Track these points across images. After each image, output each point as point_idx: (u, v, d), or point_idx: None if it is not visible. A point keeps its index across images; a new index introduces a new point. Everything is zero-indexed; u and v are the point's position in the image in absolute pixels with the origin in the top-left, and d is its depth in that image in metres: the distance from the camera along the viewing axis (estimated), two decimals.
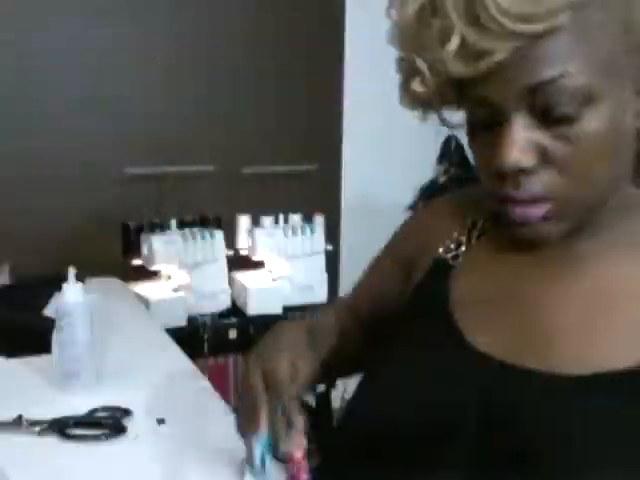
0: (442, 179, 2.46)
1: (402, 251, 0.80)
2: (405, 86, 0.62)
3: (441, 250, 0.73)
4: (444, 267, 0.71)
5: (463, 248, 0.72)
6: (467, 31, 0.53)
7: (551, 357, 0.59)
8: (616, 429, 0.54)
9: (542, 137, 0.56)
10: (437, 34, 0.55)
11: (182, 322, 1.83)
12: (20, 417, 0.88)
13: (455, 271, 0.71)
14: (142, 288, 1.86)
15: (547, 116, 0.55)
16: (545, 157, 0.56)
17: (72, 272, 0.99)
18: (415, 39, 0.58)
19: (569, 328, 0.60)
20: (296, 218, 2.03)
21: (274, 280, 2.00)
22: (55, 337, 1.02)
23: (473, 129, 0.61)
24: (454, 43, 0.54)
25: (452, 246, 0.72)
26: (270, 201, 2.08)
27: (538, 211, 0.58)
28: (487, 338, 0.63)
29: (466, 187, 0.79)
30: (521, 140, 0.56)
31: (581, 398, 0.56)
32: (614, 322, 0.59)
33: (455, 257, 0.72)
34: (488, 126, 0.59)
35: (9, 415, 0.88)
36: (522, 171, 0.56)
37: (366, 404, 0.68)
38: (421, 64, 0.57)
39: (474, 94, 0.58)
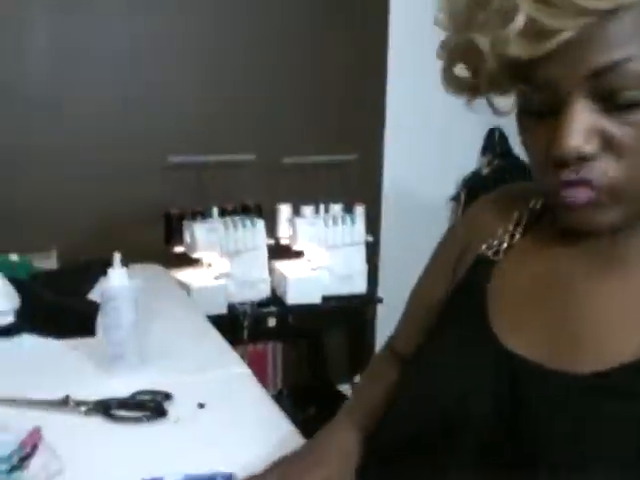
0: (485, 171, 2.43)
1: (448, 256, 0.80)
2: (449, 71, 0.61)
3: (484, 247, 0.72)
4: (485, 264, 0.71)
5: (505, 245, 0.71)
6: (534, 8, 0.51)
7: (584, 359, 0.58)
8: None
9: (604, 122, 0.53)
10: (498, 13, 0.53)
11: (222, 309, 1.86)
12: (67, 397, 0.91)
13: (496, 268, 0.70)
14: (183, 275, 1.89)
15: (611, 101, 0.53)
16: (606, 143, 0.54)
17: (117, 257, 1.01)
18: (470, 19, 0.56)
19: (606, 329, 0.59)
20: (336, 208, 2.04)
21: (314, 270, 2.01)
22: (100, 320, 1.05)
23: (526, 115, 0.59)
24: (519, 21, 0.51)
25: (495, 243, 0.72)
26: (310, 191, 2.09)
27: (590, 193, 0.55)
28: (520, 337, 0.63)
29: (511, 182, 0.78)
30: (583, 125, 0.53)
31: (609, 401, 0.56)
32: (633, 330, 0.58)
33: (497, 253, 0.71)
34: (545, 111, 0.56)
35: (56, 395, 0.91)
36: (582, 158, 0.54)
37: (399, 400, 0.70)
38: (483, 44, 0.54)
39: (533, 77, 0.55)
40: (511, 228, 0.72)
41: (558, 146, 0.54)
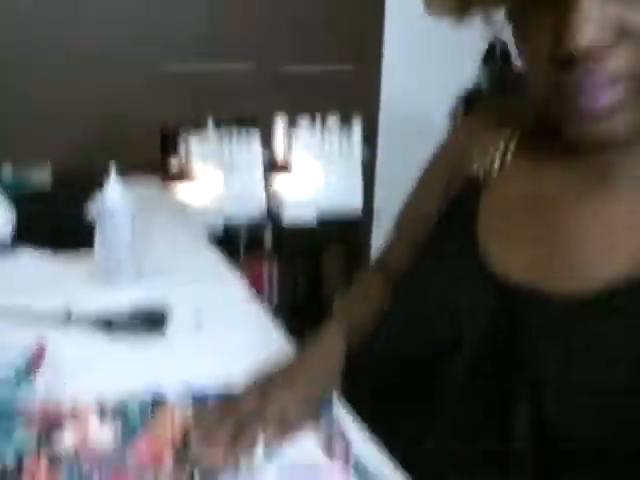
0: (484, 84, 2.37)
1: (438, 175, 0.79)
2: None
3: (475, 166, 0.72)
4: (476, 184, 0.70)
5: (497, 164, 0.70)
6: None
7: (573, 279, 0.59)
8: (625, 349, 0.55)
9: (619, 8, 0.49)
10: None
11: (218, 226, 1.87)
12: (67, 311, 0.92)
13: (486, 188, 0.70)
14: (179, 190, 1.89)
15: None
16: (622, 31, 0.49)
17: (113, 169, 1.00)
18: None
19: (596, 250, 0.59)
20: (333, 122, 2.01)
21: (309, 185, 2.00)
22: (97, 234, 1.05)
23: (523, 11, 0.54)
24: None
25: (487, 163, 0.71)
26: (308, 102, 2.04)
27: (609, 96, 0.51)
28: (509, 258, 0.64)
29: (504, 96, 0.76)
30: (596, 13, 0.48)
31: (595, 321, 0.57)
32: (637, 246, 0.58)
33: (488, 173, 0.70)
34: (546, 4, 0.51)
35: (57, 309, 0.92)
36: (596, 52, 0.49)
37: (388, 320, 0.71)
38: None
39: None
40: (503, 146, 0.70)
41: (569, 40, 0.48)
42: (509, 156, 0.70)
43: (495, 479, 0.61)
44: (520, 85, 0.63)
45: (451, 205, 0.73)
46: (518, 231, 0.65)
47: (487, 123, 0.74)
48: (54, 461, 0.61)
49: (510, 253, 0.64)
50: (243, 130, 1.91)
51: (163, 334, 0.90)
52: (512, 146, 0.70)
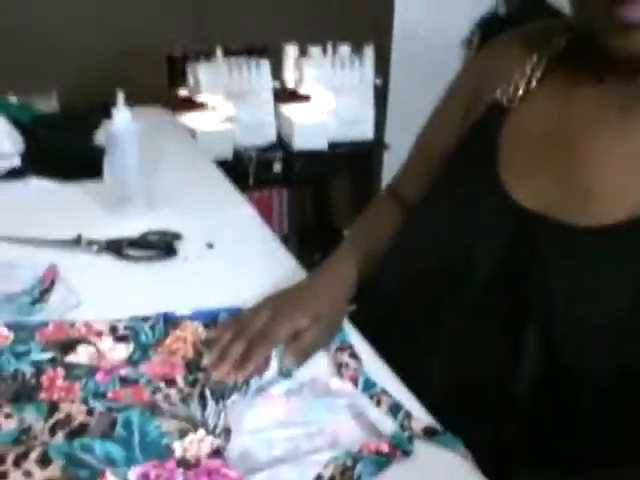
0: (502, 10, 2.29)
1: (459, 100, 0.77)
2: None
3: (498, 92, 0.70)
4: (499, 111, 0.69)
5: (521, 91, 0.68)
6: None
7: (593, 212, 0.59)
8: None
9: None
10: None
11: (228, 154, 1.85)
12: (79, 236, 0.93)
13: (509, 116, 0.68)
14: (188, 119, 1.86)
15: None
16: None
17: (121, 96, 0.99)
18: None
19: (617, 182, 0.59)
20: (345, 49, 1.96)
21: (320, 114, 1.97)
22: (106, 162, 1.05)
23: None
24: None
25: (510, 89, 0.69)
26: (319, 29, 1.99)
27: None
28: (529, 189, 0.63)
29: (531, 21, 0.74)
30: None
31: (616, 254, 0.57)
32: None
33: (512, 100, 0.68)
34: None
35: (67, 235, 0.93)
36: None
37: (401, 244, 0.71)
38: None
39: None
40: (528, 72, 0.68)
41: None
42: (534, 83, 0.68)
43: (495, 413, 0.62)
44: (539, 13, 0.61)
45: (471, 131, 0.71)
46: (539, 160, 0.64)
47: (512, 48, 0.72)
48: (70, 376, 0.63)
49: (530, 182, 0.63)
50: (253, 59, 1.87)
51: (175, 259, 0.90)
52: (538, 73, 0.68)
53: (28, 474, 0.51)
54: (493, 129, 0.68)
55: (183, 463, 0.53)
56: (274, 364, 0.63)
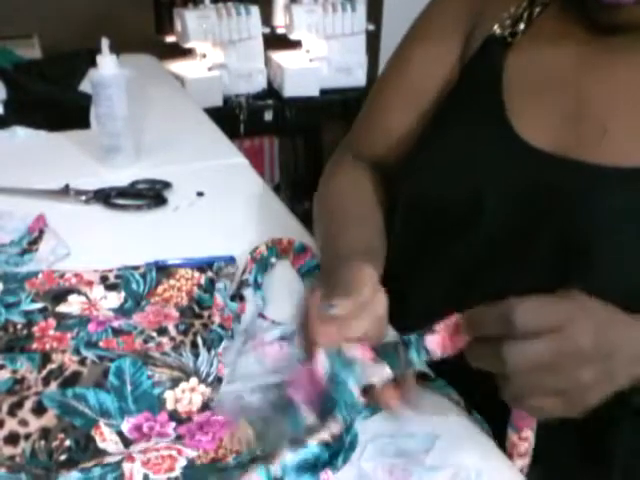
0: None
1: (450, 33, 0.70)
2: None
3: (496, 27, 0.65)
4: (499, 45, 0.64)
5: (522, 25, 0.64)
6: None
7: (599, 150, 0.56)
8: None
9: None
10: None
11: (218, 102, 1.82)
12: (67, 186, 0.91)
13: (510, 51, 0.64)
14: (176, 66, 1.82)
15: None
16: None
17: (106, 43, 0.96)
18: None
19: (620, 121, 0.57)
20: None
21: (311, 61, 1.93)
22: (93, 111, 1.02)
23: None
24: None
25: (508, 22, 0.65)
26: None
27: None
28: (539, 129, 0.60)
29: None
30: None
31: (627, 192, 0.55)
32: None
33: (512, 35, 0.64)
34: None
35: (56, 184, 0.92)
36: None
37: (416, 181, 0.66)
38: None
39: None
40: (527, 5, 0.64)
41: None
42: (536, 13, 0.63)
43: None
44: None
45: (470, 68, 0.67)
46: (549, 101, 0.61)
47: None
48: (62, 326, 0.63)
49: (539, 123, 0.60)
50: (242, 5, 1.81)
51: (165, 207, 0.89)
52: (539, 5, 0.64)
53: (24, 423, 0.51)
54: (495, 67, 0.64)
55: (175, 417, 0.53)
56: (251, 307, 0.63)
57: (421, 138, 0.68)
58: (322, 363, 0.47)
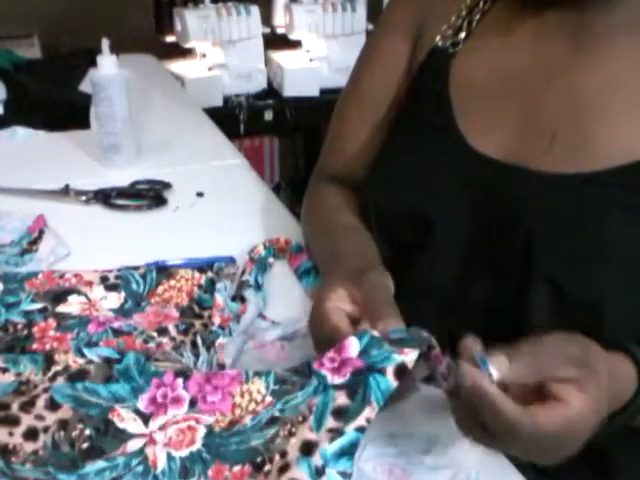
0: None
1: (395, 46, 0.69)
2: None
3: (438, 38, 0.64)
4: (443, 56, 0.64)
5: (462, 35, 0.63)
6: None
7: (551, 156, 0.56)
8: (613, 221, 0.53)
9: None
10: None
11: (218, 102, 1.82)
12: (67, 186, 0.91)
13: (455, 61, 0.63)
14: (176, 66, 1.82)
15: None
16: None
17: (106, 43, 0.96)
18: None
19: (570, 126, 0.56)
20: None
21: (311, 61, 1.93)
22: (93, 111, 1.02)
23: None
24: None
25: (450, 33, 0.64)
26: None
27: None
28: (491, 139, 0.59)
29: None
30: None
31: (582, 195, 0.54)
32: (615, 119, 0.55)
33: (453, 45, 0.63)
34: None
35: (56, 185, 0.92)
36: None
37: (372, 198, 0.66)
38: None
39: None
40: (466, 14, 0.63)
41: None
42: (475, 23, 0.63)
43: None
44: None
45: (416, 83, 0.66)
46: (499, 108, 0.60)
47: None
48: (62, 327, 0.63)
49: (493, 134, 0.59)
50: (242, 5, 1.82)
51: (165, 208, 0.89)
52: (478, 12, 0.63)
53: (40, 417, 0.51)
54: (442, 78, 0.63)
55: (181, 374, 0.52)
56: (252, 307, 0.63)
57: (378, 152, 0.68)
58: (355, 344, 0.47)
